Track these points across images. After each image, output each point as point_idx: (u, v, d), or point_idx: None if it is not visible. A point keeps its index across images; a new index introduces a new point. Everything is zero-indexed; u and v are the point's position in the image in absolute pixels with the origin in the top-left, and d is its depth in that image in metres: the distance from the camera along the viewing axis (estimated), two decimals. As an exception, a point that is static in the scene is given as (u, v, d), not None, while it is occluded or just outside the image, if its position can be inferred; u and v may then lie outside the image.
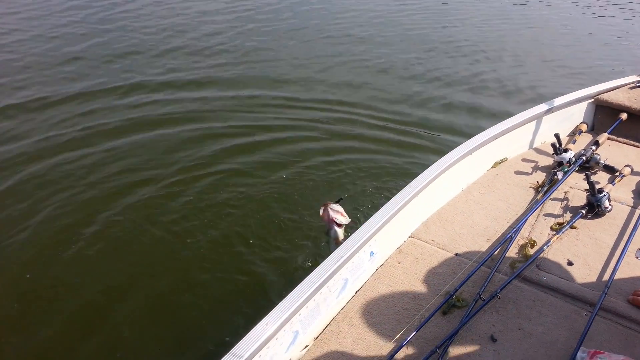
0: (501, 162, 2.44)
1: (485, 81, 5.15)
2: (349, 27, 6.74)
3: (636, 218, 2.06)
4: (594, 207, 2.10)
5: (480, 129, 2.46)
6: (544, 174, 2.37)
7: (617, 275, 1.75)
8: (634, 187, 2.27)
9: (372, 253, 1.80)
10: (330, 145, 3.83)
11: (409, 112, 4.42)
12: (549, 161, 2.44)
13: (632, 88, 2.74)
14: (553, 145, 2.36)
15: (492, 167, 2.41)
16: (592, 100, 2.71)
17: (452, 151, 2.26)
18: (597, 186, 2.17)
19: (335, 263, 1.61)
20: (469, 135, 2.42)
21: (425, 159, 3.52)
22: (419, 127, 4.16)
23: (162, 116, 4.28)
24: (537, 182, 2.30)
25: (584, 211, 2.07)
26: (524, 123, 2.51)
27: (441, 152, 2.35)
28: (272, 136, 3.95)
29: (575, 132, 2.63)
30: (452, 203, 2.19)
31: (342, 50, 5.91)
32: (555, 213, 2.12)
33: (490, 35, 6.72)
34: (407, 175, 3.29)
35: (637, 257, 1.87)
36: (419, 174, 2.10)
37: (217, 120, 4.20)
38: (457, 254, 1.90)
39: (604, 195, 2.09)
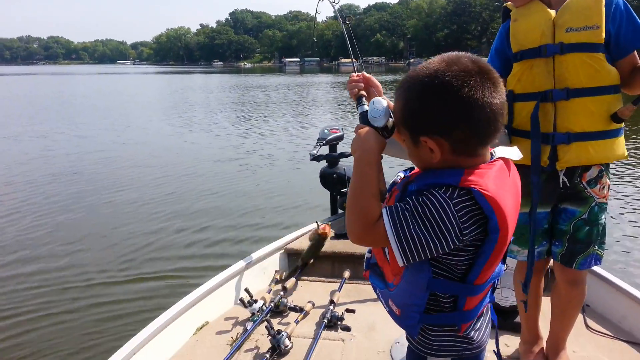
0: (202, 327, 2.59)
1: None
2: None
3: (308, 347, 2.34)
4: (276, 349, 2.33)
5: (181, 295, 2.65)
6: (242, 328, 2.58)
7: None
8: (317, 319, 2.61)
9: None
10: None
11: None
12: (247, 314, 2.68)
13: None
14: (241, 300, 2.62)
15: (193, 334, 2.54)
16: (283, 250, 3.16)
17: (150, 324, 2.34)
18: (284, 327, 2.45)
19: None
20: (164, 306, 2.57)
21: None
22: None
23: None
24: (232, 337, 2.49)
25: (267, 355, 2.28)
26: (223, 283, 2.77)
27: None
28: None
29: (272, 281, 2.97)
30: None
31: None
32: (246, 364, 2.29)
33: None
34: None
35: None
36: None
37: None
38: None
39: (282, 335, 2.35)
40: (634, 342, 2.28)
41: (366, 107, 1.12)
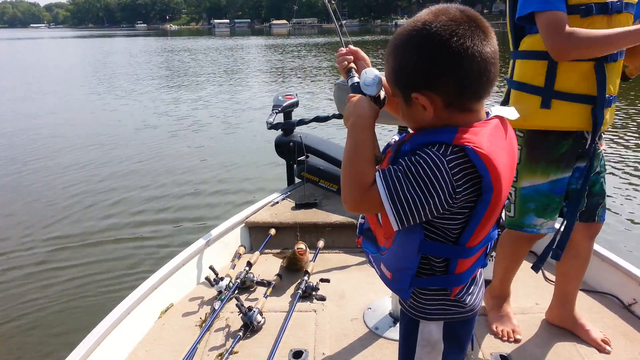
0: (167, 309, 2.48)
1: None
2: None
3: (283, 321, 2.31)
4: (248, 326, 2.27)
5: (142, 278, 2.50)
6: (209, 307, 2.50)
7: None
8: (285, 292, 2.57)
9: None
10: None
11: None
12: (213, 293, 2.59)
13: (272, 205, 3.21)
14: (207, 278, 2.53)
15: (158, 318, 2.43)
16: (244, 224, 3.07)
17: (112, 311, 2.21)
18: (254, 303, 2.40)
19: None
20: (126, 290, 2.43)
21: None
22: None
23: None
24: (201, 318, 2.40)
25: (240, 333, 2.22)
26: (184, 263, 2.65)
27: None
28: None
29: (235, 257, 2.89)
30: None
31: None
32: (219, 344, 2.22)
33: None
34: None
35: None
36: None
37: None
38: None
39: (254, 311, 2.29)
40: (589, 290, 2.44)
41: (356, 79, 1.13)
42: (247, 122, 9.74)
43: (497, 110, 1.04)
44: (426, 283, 1.08)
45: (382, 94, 1.08)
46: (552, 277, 2.56)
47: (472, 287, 1.13)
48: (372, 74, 1.07)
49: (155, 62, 24.24)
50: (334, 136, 7.14)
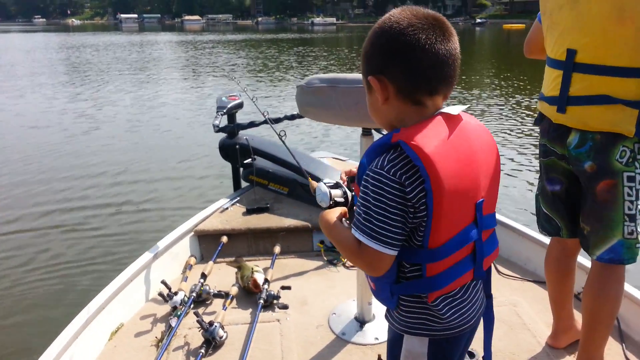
0: (118, 330, 2.28)
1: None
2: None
3: (247, 333, 2.20)
4: (210, 342, 2.14)
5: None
6: (164, 324, 2.33)
7: None
8: (244, 303, 2.46)
9: None
10: None
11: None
12: (167, 309, 2.42)
13: (222, 212, 3.07)
14: (160, 294, 2.36)
15: (109, 340, 2.23)
16: (193, 233, 2.90)
17: (57, 339, 1.99)
18: (213, 317, 2.27)
19: None
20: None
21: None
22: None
23: None
24: (156, 337, 2.23)
25: (202, 350, 2.08)
26: (132, 278, 2.45)
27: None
28: None
29: (186, 268, 2.72)
30: None
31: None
32: (179, 365, 2.07)
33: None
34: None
35: None
36: None
37: None
38: None
39: (215, 326, 2.16)
40: (539, 280, 2.58)
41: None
42: (186, 125, 9.21)
43: (446, 109, 1.06)
44: (404, 289, 1.08)
45: (339, 197, 1.22)
46: (505, 270, 2.68)
47: (458, 301, 1.10)
48: (319, 190, 1.23)
49: (61, 60, 22.44)
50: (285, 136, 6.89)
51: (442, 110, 1.04)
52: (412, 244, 1.03)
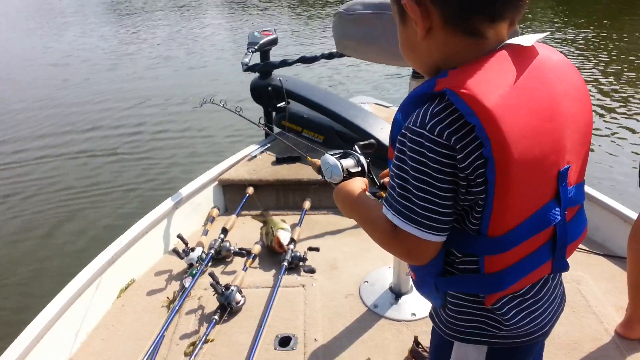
0: (128, 287, 2.10)
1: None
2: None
3: (267, 299, 1.96)
4: (226, 307, 1.91)
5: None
6: (179, 283, 2.12)
7: None
8: (267, 263, 2.21)
9: None
10: None
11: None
12: (183, 267, 2.21)
13: (249, 160, 2.78)
14: (175, 249, 2.13)
15: (117, 298, 2.04)
16: (217, 182, 2.64)
17: (62, 291, 1.84)
18: (231, 278, 2.04)
19: None
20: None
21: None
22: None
23: None
24: (168, 298, 2.03)
25: (216, 316, 1.86)
26: (148, 230, 2.25)
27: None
28: None
29: (207, 221, 2.48)
30: None
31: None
32: (191, 330, 1.86)
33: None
34: None
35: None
36: None
37: None
38: None
39: (232, 290, 1.93)
40: (609, 254, 2.16)
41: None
42: (215, 59, 8.69)
43: (511, 40, 0.76)
44: (454, 285, 0.84)
45: (353, 167, 1.05)
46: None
47: (530, 303, 0.85)
48: (326, 163, 1.05)
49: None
50: (321, 78, 6.49)
51: (509, 41, 0.75)
52: (466, 228, 0.78)
